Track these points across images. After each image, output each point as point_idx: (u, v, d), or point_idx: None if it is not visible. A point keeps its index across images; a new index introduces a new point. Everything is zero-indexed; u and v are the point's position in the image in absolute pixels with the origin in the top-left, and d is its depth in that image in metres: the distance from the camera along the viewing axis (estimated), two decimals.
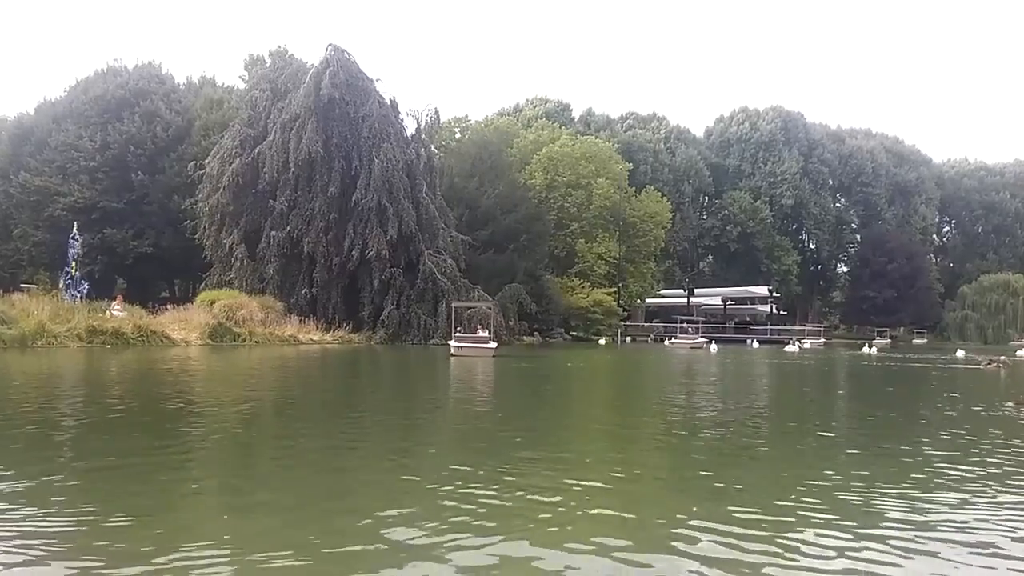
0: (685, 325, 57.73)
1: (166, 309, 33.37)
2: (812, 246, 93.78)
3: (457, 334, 32.12)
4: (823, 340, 58.50)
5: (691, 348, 44.74)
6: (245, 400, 12.37)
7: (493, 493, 5.81)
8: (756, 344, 54.80)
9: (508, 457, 7.44)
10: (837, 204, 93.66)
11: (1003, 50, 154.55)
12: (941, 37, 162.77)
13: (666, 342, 52.43)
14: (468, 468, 6.86)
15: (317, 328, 36.60)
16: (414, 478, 6.52)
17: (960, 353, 40.89)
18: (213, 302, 34.57)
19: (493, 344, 30.22)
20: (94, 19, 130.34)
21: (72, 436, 8.42)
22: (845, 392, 18.69)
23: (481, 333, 32.78)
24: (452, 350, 29.06)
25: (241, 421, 9.98)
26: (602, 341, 54.03)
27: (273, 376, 17.96)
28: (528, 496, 5.74)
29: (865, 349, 45.26)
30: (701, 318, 62.87)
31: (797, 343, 51.14)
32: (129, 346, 26.20)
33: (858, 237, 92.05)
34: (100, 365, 19.68)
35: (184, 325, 30.72)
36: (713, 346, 44.48)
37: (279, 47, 50.89)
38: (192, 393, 13.10)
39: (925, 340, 76.85)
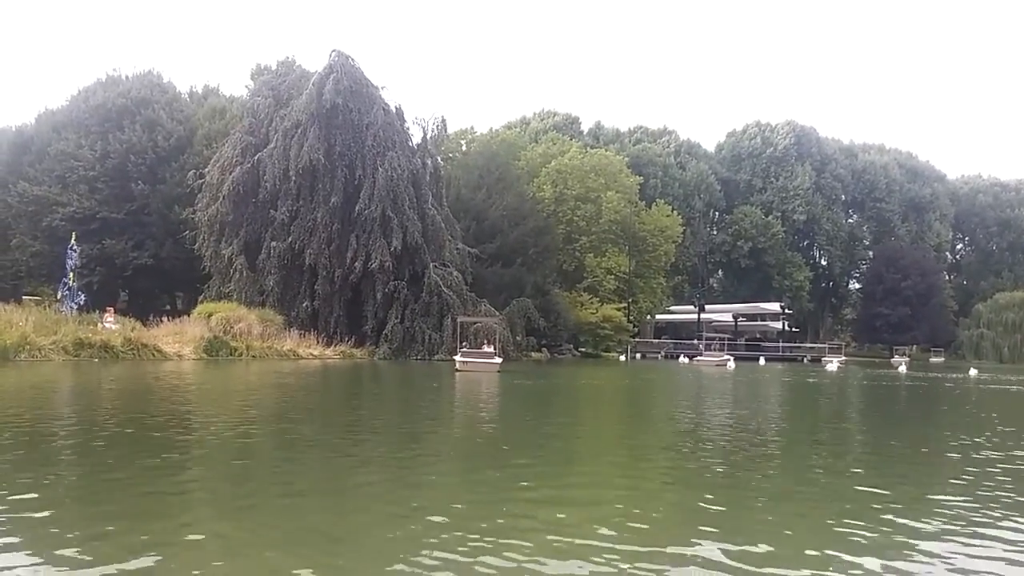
0: (709, 342, 56.07)
1: (162, 322, 32.17)
2: (824, 262, 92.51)
3: (463, 349, 31.16)
4: (844, 358, 56.80)
5: (716, 366, 43.15)
6: (227, 424, 11.00)
7: (495, 529, 5.06)
8: (763, 361, 53.29)
9: (511, 498, 6.12)
10: (850, 220, 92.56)
11: (1017, 66, 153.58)
12: (955, 52, 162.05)
13: (682, 359, 50.92)
14: (471, 501, 5.98)
15: (318, 342, 35.33)
16: (416, 506, 5.84)
17: (973, 372, 40.24)
18: (211, 315, 33.39)
19: (498, 360, 29.39)
20: (103, 32, 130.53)
21: (25, 461, 7.09)
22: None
23: (487, 348, 31.81)
24: (457, 365, 28.31)
25: (223, 449, 8.61)
26: (622, 358, 52.85)
27: (263, 395, 16.58)
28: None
29: (902, 368, 43.68)
30: (727, 335, 61.13)
31: (836, 362, 49.59)
32: (118, 360, 24.94)
33: (870, 253, 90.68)
34: (79, 381, 18.36)
35: (179, 338, 29.49)
36: (731, 363, 43.16)
37: (287, 57, 49.99)
38: (168, 414, 11.72)
39: (942, 359, 75.22)
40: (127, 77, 52.09)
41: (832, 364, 47.42)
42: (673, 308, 73.39)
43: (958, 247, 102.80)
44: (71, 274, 34.97)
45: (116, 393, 15.32)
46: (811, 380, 30.56)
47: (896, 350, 68.14)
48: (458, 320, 35.37)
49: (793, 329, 78.91)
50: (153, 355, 26.64)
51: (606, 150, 68.45)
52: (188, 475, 6.99)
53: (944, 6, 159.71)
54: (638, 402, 19.50)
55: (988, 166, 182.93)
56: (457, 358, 29.46)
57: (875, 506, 6.17)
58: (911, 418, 16.79)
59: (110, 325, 29.26)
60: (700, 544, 4.85)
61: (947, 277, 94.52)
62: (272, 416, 12.33)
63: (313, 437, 9.85)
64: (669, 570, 4.33)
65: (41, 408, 11.94)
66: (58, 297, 35.46)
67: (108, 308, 31.82)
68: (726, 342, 57.26)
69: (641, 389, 24.30)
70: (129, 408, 12.43)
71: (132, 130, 47.94)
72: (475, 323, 37.05)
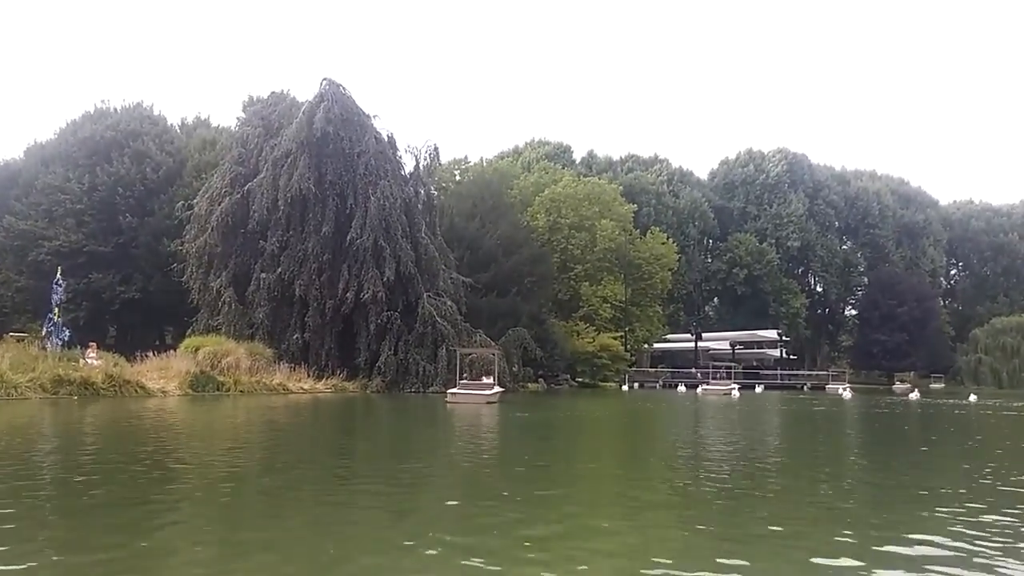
0: (715, 370, 55.24)
1: (147, 357, 31.17)
2: (819, 289, 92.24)
3: (462, 381, 30.54)
4: (848, 385, 56.08)
5: (723, 395, 42.36)
6: (202, 474, 10.13)
7: None
8: (758, 389, 52.48)
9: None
10: (844, 246, 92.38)
11: (1007, 91, 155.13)
12: (944, 78, 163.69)
13: (680, 388, 50.02)
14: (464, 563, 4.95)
15: (309, 376, 34.30)
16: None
17: (972, 398, 39.89)
18: (197, 349, 32.39)
19: (487, 392, 28.77)
20: (97, 65, 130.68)
21: None
22: None
23: (486, 380, 31.21)
24: (448, 398, 27.92)
25: (196, 508, 7.75)
26: (624, 387, 52.09)
27: (245, 437, 15.66)
28: None
29: (913, 396, 42.91)
30: (725, 363, 60.31)
31: (841, 389, 48.83)
32: (99, 397, 23.94)
33: (865, 280, 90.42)
34: (50, 420, 17.42)
35: (163, 374, 28.46)
36: (735, 392, 42.47)
37: (282, 90, 49.39)
38: (136, 461, 10.82)
39: (942, 385, 74.42)
40: (116, 109, 51.66)
41: (846, 392, 46.47)
42: (669, 336, 72.64)
43: (952, 272, 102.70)
44: (56, 309, 34.05)
45: (83, 436, 14.37)
46: (834, 409, 29.56)
47: (896, 376, 67.35)
48: (458, 352, 34.65)
49: (791, 356, 78.19)
50: (136, 392, 25.61)
51: (599, 178, 68.21)
52: (159, 544, 6.10)
53: (932, 34, 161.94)
54: (662, 438, 17.61)
55: (980, 191, 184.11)
56: (449, 391, 28.95)
57: None
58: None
59: (92, 361, 28.27)
60: None
61: (942, 303, 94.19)
62: (256, 463, 11.43)
63: (299, 491, 8.93)
64: None
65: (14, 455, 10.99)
66: (43, 333, 34.51)
67: (90, 343, 30.80)
68: (732, 371, 56.39)
69: (656, 422, 23.23)
70: (96, 454, 11.52)
71: (120, 162, 47.37)
72: (470, 354, 36.23)
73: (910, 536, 6.04)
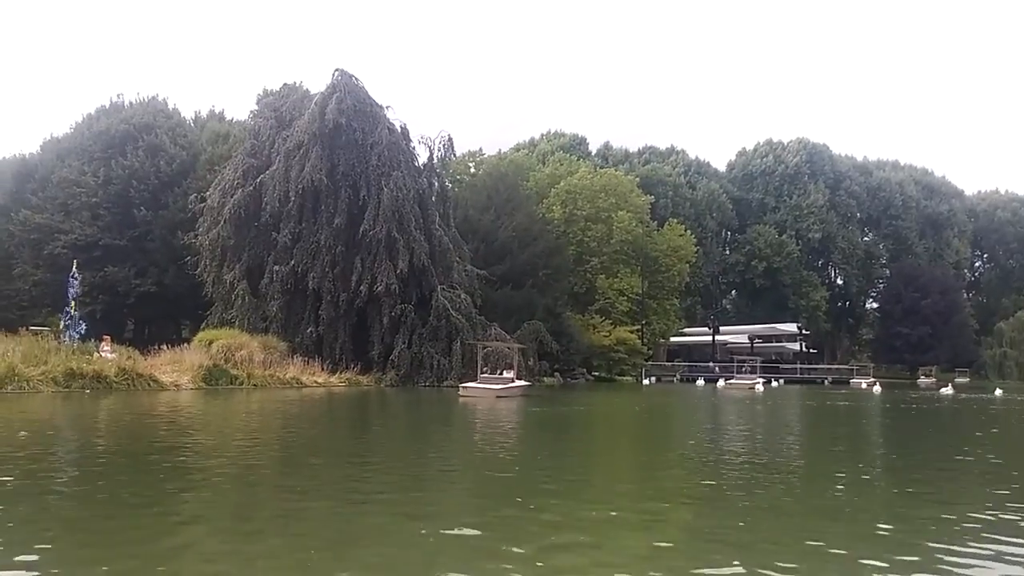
0: (740, 364, 54.53)
1: (161, 350, 31.03)
2: (840, 281, 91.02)
3: (483, 375, 30.41)
4: (872, 379, 55.08)
5: (746, 389, 41.66)
6: (208, 473, 9.74)
7: None
8: (775, 384, 51.66)
9: None
10: (865, 238, 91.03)
11: None
12: (969, 66, 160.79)
13: (699, 382, 49.23)
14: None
15: (323, 369, 34.09)
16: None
17: (999, 392, 39.21)
18: (211, 342, 32.24)
19: (498, 386, 28.44)
20: (113, 61, 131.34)
21: None
22: None
23: (507, 375, 31.04)
24: (461, 391, 28.01)
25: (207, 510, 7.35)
26: (645, 382, 51.61)
27: (254, 433, 15.31)
28: None
29: (945, 391, 41.89)
30: (758, 358, 59.47)
31: (865, 383, 48.06)
32: (112, 391, 23.76)
33: (888, 272, 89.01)
34: (59, 414, 17.19)
35: (177, 367, 28.30)
36: (759, 386, 41.79)
37: (295, 82, 49.05)
38: (136, 455, 10.45)
39: (967, 379, 73.13)
40: (131, 103, 51.71)
41: (876, 387, 45.48)
42: (686, 330, 71.88)
43: (977, 264, 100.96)
44: (72, 303, 34.04)
45: (89, 431, 14.09)
46: (865, 405, 28.65)
47: (921, 370, 66.15)
48: (479, 346, 34.36)
49: (811, 350, 77.18)
50: (148, 385, 25.39)
51: (615, 170, 67.47)
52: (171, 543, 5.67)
53: (955, 21, 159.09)
54: (699, 440, 15.14)
55: (1006, 181, 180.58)
56: (462, 385, 29.06)
57: None
58: None
59: (107, 354, 28.13)
60: None
61: (966, 295, 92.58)
62: (266, 460, 11.04)
63: (306, 490, 8.50)
64: None
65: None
66: (60, 327, 34.54)
67: (104, 336, 30.70)
68: (757, 365, 55.61)
69: (689, 420, 22.46)
70: (102, 449, 11.18)
71: (135, 156, 47.31)
72: (486, 347, 35.82)
73: None
